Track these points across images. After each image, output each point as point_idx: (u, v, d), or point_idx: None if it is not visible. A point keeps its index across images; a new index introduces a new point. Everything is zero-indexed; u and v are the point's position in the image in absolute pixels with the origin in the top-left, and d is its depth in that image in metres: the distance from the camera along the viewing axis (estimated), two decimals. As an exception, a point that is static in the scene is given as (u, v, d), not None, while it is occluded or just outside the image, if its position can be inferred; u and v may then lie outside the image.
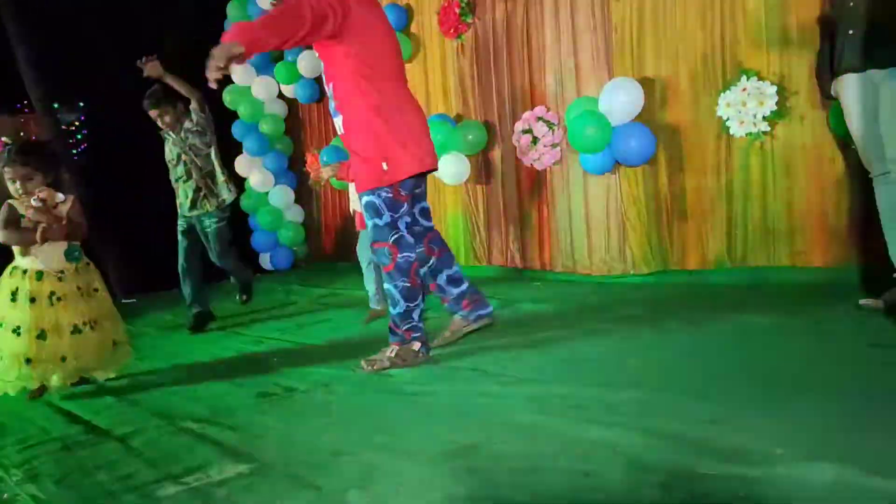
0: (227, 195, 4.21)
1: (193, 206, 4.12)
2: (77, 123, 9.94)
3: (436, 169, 2.85)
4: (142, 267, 7.29)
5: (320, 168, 3.96)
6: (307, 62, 6.28)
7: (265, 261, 6.97)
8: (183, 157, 4.10)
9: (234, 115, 6.79)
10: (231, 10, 6.13)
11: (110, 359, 2.95)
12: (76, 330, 2.78)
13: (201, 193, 4.12)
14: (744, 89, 3.56)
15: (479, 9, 4.98)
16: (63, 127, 8.65)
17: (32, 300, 2.73)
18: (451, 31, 5.08)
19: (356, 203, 3.74)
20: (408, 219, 2.75)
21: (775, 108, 3.50)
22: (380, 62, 2.62)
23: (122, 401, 2.66)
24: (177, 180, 4.16)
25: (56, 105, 8.21)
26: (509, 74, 4.84)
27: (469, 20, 5.01)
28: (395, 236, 2.66)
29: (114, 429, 2.28)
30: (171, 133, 4.11)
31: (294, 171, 6.99)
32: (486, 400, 2.17)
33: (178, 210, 4.21)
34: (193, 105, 4.04)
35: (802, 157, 3.55)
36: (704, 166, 3.89)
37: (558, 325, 3.21)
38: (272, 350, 3.38)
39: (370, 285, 3.87)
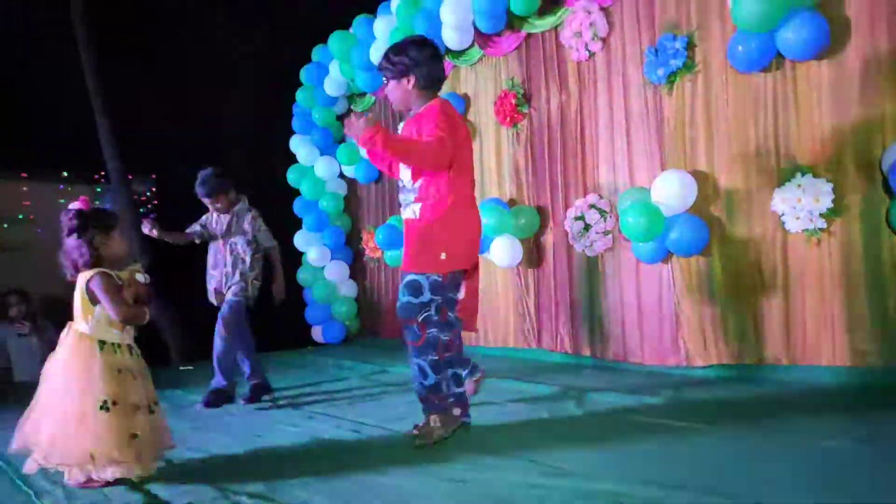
0: (250, 289, 4.29)
1: (220, 288, 4.29)
2: (148, 195, 10.52)
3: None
4: (199, 334, 7.53)
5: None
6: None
7: (317, 334, 7.11)
8: (223, 241, 4.28)
9: (296, 193, 7.11)
10: (332, 42, 6.43)
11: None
12: (151, 410, 2.66)
13: (231, 278, 4.26)
14: (799, 185, 3.59)
15: (534, 99, 5.18)
16: (134, 197, 9.16)
17: (134, 378, 2.63)
18: (507, 119, 5.29)
19: None
20: (443, 305, 2.89)
21: (831, 205, 3.50)
22: (462, 167, 2.92)
23: (178, 469, 2.74)
24: (214, 261, 4.33)
25: (130, 176, 8.71)
26: (563, 162, 4.98)
27: (525, 110, 5.21)
28: (426, 315, 2.84)
29: (172, 500, 2.35)
30: (221, 218, 4.31)
31: (350, 247, 7.21)
32: (535, 491, 2.17)
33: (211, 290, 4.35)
34: (260, 223, 4.29)
35: (861, 254, 3.51)
36: (759, 260, 3.88)
37: (607, 416, 3.18)
38: (323, 423, 3.43)
39: None
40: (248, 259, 4.26)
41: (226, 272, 4.27)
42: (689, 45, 4.09)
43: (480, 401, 3.51)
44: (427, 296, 2.83)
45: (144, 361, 2.75)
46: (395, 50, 2.93)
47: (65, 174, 10.05)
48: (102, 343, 2.62)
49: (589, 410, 3.33)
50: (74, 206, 2.70)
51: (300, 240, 7.01)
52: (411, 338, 2.86)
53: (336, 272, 7.03)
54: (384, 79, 3.03)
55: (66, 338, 2.66)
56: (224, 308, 4.20)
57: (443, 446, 2.83)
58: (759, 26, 3.52)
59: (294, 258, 7.18)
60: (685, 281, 4.19)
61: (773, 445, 2.54)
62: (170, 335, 8.02)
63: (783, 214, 3.68)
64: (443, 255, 2.82)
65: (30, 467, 2.53)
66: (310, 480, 2.50)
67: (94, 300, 2.63)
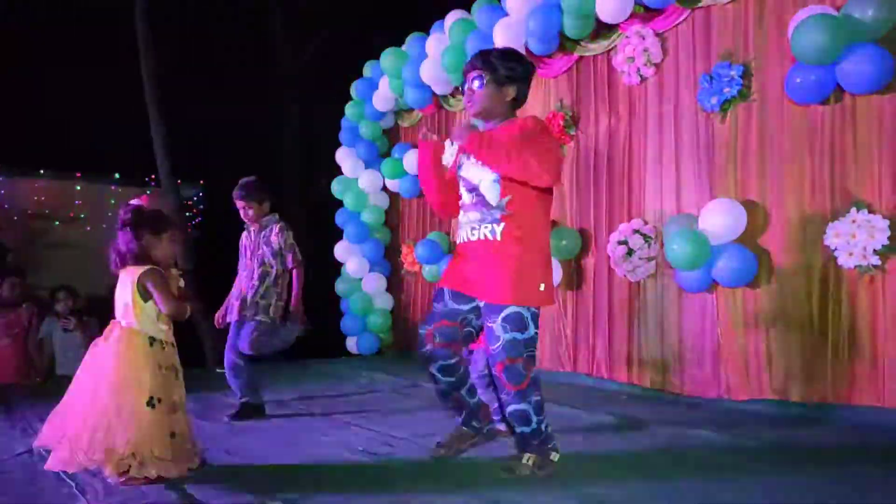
0: (263, 315, 4.01)
1: (243, 305, 4.04)
2: (195, 199, 10.78)
3: None
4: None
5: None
6: (412, 160, 6.64)
7: (351, 345, 7.15)
8: (251, 254, 4.12)
9: (339, 204, 7.20)
10: (384, 58, 6.43)
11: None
12: (185, 410, 2.74)
13: (256, 293, 4.04)
14: (853, 220, 3.50)
15: (582, 122, 5.17)
16: (183, 202, 9.38)
17: (176, 376, 2.70)
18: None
19: None
20: None
21: (887, 242, 3.41)
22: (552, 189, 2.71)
23: (218, 471, 2.76)
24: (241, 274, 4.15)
25: (179, 181, 8.92)
26: (608, 185, 4.94)
27: (572, 132, 5.20)
28: (530, 352, 2.58)
29: (209, 502, 2.37)
30: (253, 230, 4.16)
31: (388, 260, 7.25)
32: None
33: (228, 309, 4.12)
34: (288, 236, 4.05)
35: (917, 294, 3.40)
36: (809, 295, 3.78)
37: (647, 447, 3.12)
38: (356, 435, 3.44)
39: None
40: (273, 273, 4.06)
41: (252, 284, 4.05)
42: (745, 74, 4.04)
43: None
44: (532, 330, 2.56)
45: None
46: (506, 55, 2.72)
47: (117, 176, 10.36)
48: (152, 340, 2.66)
49: (628, 440, 3.27)
50: (135, 202, 2.75)
51: (340, 250, 7.09)
52: (514, 379, 2.54)
53: (373, 284, 7.07)
54: (475, 80, 2.68)
55: (111, 333, 2.68)
56: (249, 330, 3.97)
57: (475, 465, 2.80)
58: (819, 59, 3.47)
59: (333, 268, 7.25)
60: (730, 312, 4.10)
61: (818, 490, 2.46)
62: (208, 339, 8.14)
63: (836, 249, 3.58)
64: (542, 286, 2.58)
65: (52, 464, 2.51)
66: (343, 491, 2.50)
67: (145, 296, 2.66)
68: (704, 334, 4.25)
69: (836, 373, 3.65)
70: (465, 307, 2.68)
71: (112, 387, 2.54)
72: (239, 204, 4.12)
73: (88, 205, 10.08)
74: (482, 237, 2.64)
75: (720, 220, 3.93)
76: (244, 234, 4.26)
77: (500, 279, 2.57)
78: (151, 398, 2.54)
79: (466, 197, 2.76)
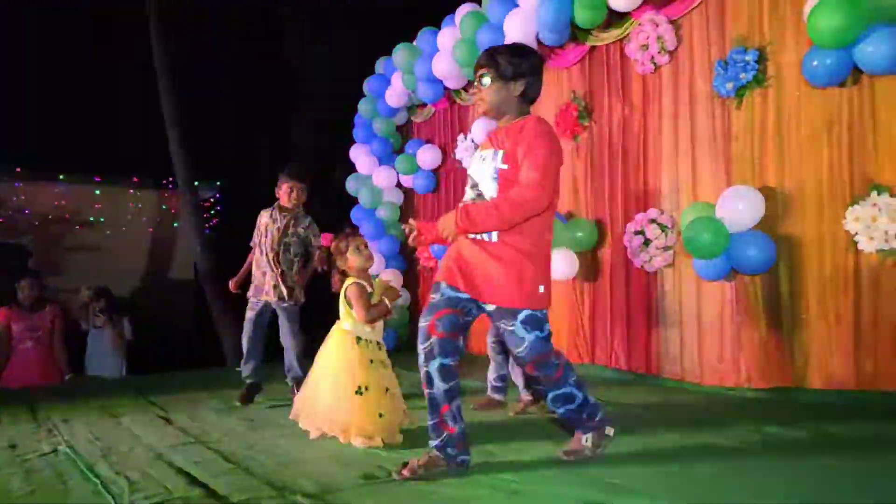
0: (296, 299, 4.30)
1: (262, 288, 4.26)
2: (212, 200, 10.86)
3: None
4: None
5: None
6: (426, 155, 6.65)
7: (370, 341, 7.17)
8: (278, 238, 4.25)
9: (354, 201, 7.22)
10: (396, 54, 6.45)
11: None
12: (387, 391, 3.24)
13: (285, 281, 4.24)
14: (874, 204, 3.44)
15: (596, 112, 5.13)
16: (200, 202, 9.45)
17: (384, 366, 3.29)
18: (568, 132, 5.24)
19: None
20: None
21: (910, 225, 3.36)
22: (552, 205, 2.64)
23: (237, 467, 2.79)
24: (260, 255, 4.27)
25: (196, 183, 8.97)
26: (623, 176, 4.91)
27: (586, 122, 5.17)
28: (551, 345, 2.64)
29: (231, 495, 2.39)
30: (282, 212, 4.29)
31: (404, 255, 7.26)
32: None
33: (254, 287, 4.31)
34: (316, 229, 4.31)
35: (941, 277, 3.35)
36: (830, 280, 3.73)
37: (666, 436, 3.10)
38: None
39: (493, 373, 3.93)
40: (297, 262, 4.31)
41: (280, 272, 4.22)
42: (761, 59, 3.99)
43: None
44: (547, 327, 2.62)
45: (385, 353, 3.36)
46: (512, 51, 2.68)
47: (135, 179, 10.47)
48: (359, 339, 3.27)
49: (646, 431, 3.25)
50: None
51: (357, 247, 7.10)
52: (550, 372, 2.62)
53: (390, 280, 7.07)
54: (482, 77, 2.65)
55: (332, 334, 3.35)
56: (289, 314, 4.28)
57: (496, 456, 2.80)
58: (837, 41, 3.41)
59: (325, 271, 7.26)
60: (749, 300, 4.06)
61: (835, 475, 2.43)
62: (226, 336, 8.21)
63: (856, 234, 3.54)
64: (541, 289, 2.58)
65: (314, 434, 3.22)
66: (362, 484, 2.51)
67: (349, 305, 3.28)
68: (723, 324, 4.21)
69: (859, 359, 3.60)
70: (464, 296, 2.62)
71: (330, 377, 3.22)
72: (291, 185, 4.26)
73: (107, 208, 10.21)
74: (479, 237, 2.60)
75: (738, 207, 3.89)
76: (267, 214, 4.34)
77: (509, 282, 2.55)
78: (360, 387, 3.14)
79: (468, 192, 2.72)
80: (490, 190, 2.61)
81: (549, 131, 2.62)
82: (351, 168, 7.33)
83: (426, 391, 2.60)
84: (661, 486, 2.34)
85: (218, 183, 10.72)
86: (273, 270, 4.24)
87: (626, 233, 4.71)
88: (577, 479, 2.44)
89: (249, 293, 4.36)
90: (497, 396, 3.89)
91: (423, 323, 2.62)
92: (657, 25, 4.47)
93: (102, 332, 6.27)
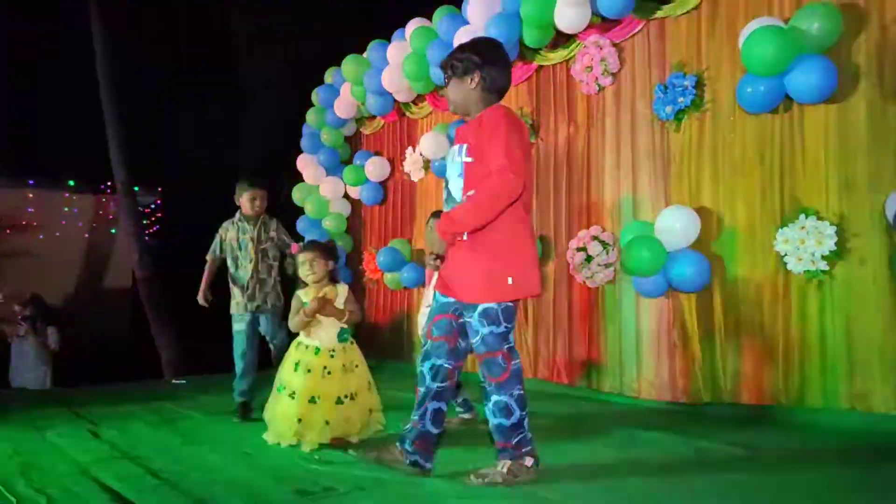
0: (279, 301, 4.33)
1: (252, 298, 4.21)
2: (153, 207, 10.57)
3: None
4: (195, 349, 7.48)
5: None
6: (374, 167, 6.63)
7: (313, 353, 7.06)
8: (253, 248, 4.25)
9: (300, 211, 7.13)
10: (345, 65, 6.42)
11: (365, 425, 3.44)
12: (339, 401, 3.30)
13: (265, 286, 4.26)
14: (802, 227, 3.59)
15: (542, 130, 5.22)
16: (139, 209, 9.18)
17: (308, 371, 3.31)
18: (514, 148, 5.30)
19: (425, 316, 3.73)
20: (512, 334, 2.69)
21: (834, 247, 3.50)
22: (527, 188, 2.65)
23: (165, 483, 2.69)
24: (237, 269, 4.25)
25: (136, 188, 8.73)
26: (567, 193, 4.99)
27: (533, 140, 5.24)
28: (508, 346, 2.62)
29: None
30: (248, 222, 4.27)
31: (350, 268, 7.20)
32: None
33: (238, 302, 4.24)
34: (282, 228, 4.39)
35: (862, 298, 3.50)
36: (760, 299, 3.86)
37: (603, 449, 3.15)
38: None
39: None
40: (276, 266, 4.35)
41: (260, 279, 4.25)
42: (699, 84, 4.13)
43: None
44: (503, 325, 2.59)
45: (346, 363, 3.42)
46: (460, 47, 2.74)
47: (70, 183, 10.11)
48: (299, 343, 3.44)
49: (581, 445, 3.29)
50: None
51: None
52: (495, 372, 2.58)
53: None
54: (445, 78, 2.74)
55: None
56: (274, 320, 4.31)
57: (444, 467, 2.78)
58: (769, 70, 3.56)
59: (294, 275, 7.16)
60: (684, 317, 4.17)
61: (774, 487, 2.51)
62: (164, 347, 7.98)
63: (786, 255, 3.68)
64: (510, 280, 2.57)
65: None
66: (297, 500, 2.46)
67: None
68: (661, 340, 4.30)
69: (787, 375, 3.73)
70: (451, 300, 2.70)
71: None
72: (252, 193, 4.27)
73: (41, 213, 9.83)
74: (459, 239, 2.64)
75: (675, 226, 4.00)
76: (229, 226, 4.33)
77: (470, 278, 2.63)
78: (278, 386, 3.39)
79: (444, 191, 2.78)
80: (456, 187, 2.66)
81: (506, 114, 2.63)
82: (297, 178, 7.25)
83: (422, 387, 2.71)
84: (595, 501, 2.36)
85: (159, 189, 10.45)
86: (255, 279, 4.25)
87: (569, 249, 4.79)
88: (509, 494, 2.44)
89: (233, 309, 4.28)
90: (465, 416, 3.86)
91: (422, 330, 2.78)
92: (601, 48, 4.58)
93: (25, 342, 5.99)
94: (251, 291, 4.23)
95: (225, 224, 4.36)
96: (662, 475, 2.72)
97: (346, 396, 3.34)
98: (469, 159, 2.61)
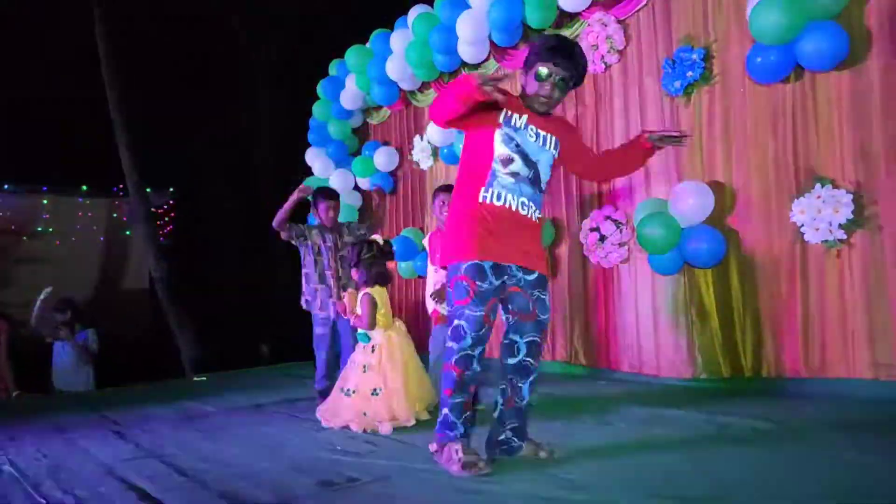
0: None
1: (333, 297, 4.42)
2: (165, 207, 10.63)
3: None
4: (215, 347, 7.54)
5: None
6: (382, 157, 6.62)
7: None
8: (333, 257, 4.43)
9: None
10: (349, 56, 6.44)
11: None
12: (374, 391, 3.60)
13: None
14: (818, 196, 3.54)
15: (549, 111, 5.16)
16: (153, 210, 9.23)
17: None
18: (523, 131, 5.26)
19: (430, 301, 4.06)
20: None
21: (851, 216, 3.45)
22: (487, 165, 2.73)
23: (191, 480, 2.72)
24: (320, 275, 4.43)
25: (149, 190, 8.77)
26: (578, 174, 4.95)
27: (540, 122, 5.19)
28: (464, 304, 2.68)
29: (182, 510, 2.33)
30: (326, 231, 4.44)
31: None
32: (550, 504, 2.13)
33: (322, 303, 4.42)
34: (359, 231, 4.59)
35: (881, 266, 3.45)
36: (778, 271, 3.82)
37: (624, 429, 3.14)
38: (335, 436, 3.41)
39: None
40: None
41: (341, 286, 4.40)
42: (707, 57, 4.07)
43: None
44: (462, 284, 2.62)
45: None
46: (583, 54, 2.81)
47: (84, 188, 10.19)
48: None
49: (603, 424, 3.28)
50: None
51: (315, 252, 7.02)
52: (451, 337, 2.61)
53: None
54: (573, 86, 2.83)
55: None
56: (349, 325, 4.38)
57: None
58: (779, 38, 3.50)
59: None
60: (701, 293, 4.14)
61: (792, 460, 2.49)
62: (184, 345, 8.05)
63: (802, 225, 3.63)
64: (456, 243, 2.67)
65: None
66: (321, 491, 2.47)
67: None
68: (678, 317, 4.27)
69: (807, 348, 3.70)
70: (498, 282, 2.63)
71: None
72: (328, 204, 4.46)
73: (56, 219, 9.92)
74: (529, 216, 2.69)
75: (689, 202, 3.96)
76: (316, 234, 4.47)
77: (542, 253, 2.81)
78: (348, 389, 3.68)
79: (523, 169, 2.67)
80: (545, 175, 2.76)
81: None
82: (307, 171, 7.25)
83: (465, 373, 2.63)
84: (617, 480, 2.36)
85: (170, 189, 10.50)
86: (338, 287, 4.42)
87: (582, 230, 4.76)
88: (532, 476, 2.44)
89: (315, 308, 4.46)
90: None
91: (478, 312, 2.61)
92: (606, 26, 4.53)
93: (65, 346, 6.08)
94: (335, 298, 4.42)
95: (310, 228, 4.51)
96: (686, 452, 2.71)
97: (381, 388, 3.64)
98: (556, 153, 2.76)
